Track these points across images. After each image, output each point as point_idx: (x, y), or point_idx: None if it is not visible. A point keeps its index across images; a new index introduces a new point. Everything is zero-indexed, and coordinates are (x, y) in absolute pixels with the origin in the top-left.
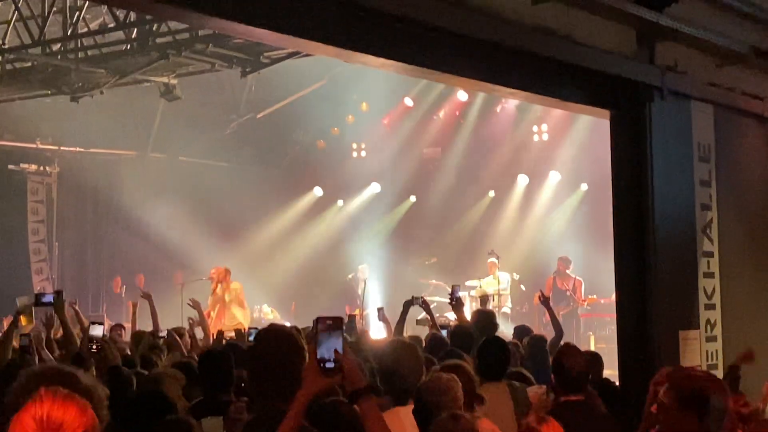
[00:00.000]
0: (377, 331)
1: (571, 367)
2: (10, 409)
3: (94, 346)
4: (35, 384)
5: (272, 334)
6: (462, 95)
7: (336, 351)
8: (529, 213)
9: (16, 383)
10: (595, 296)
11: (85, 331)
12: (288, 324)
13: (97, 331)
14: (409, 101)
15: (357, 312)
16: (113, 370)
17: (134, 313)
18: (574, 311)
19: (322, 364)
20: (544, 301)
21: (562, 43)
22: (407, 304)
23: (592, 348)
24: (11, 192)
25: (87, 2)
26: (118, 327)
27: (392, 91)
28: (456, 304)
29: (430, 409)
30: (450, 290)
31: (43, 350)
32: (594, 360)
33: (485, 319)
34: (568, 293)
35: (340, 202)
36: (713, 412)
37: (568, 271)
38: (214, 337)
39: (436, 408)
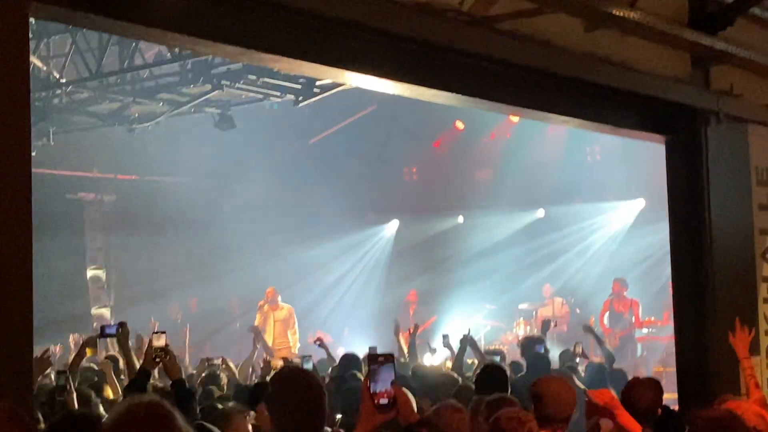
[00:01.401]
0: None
1: (639, 400)
2: None
3: (157, 357)
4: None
5: (287, 374)
6: (513, 116)
7: (391, 385)
8: (583, 234)
9: (115, 414)
10: (653, 318)
11: (149, 342)
12: (342, 349)
13: (160, 341)
14: (460, 124)
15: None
16: (177, 383)
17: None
18: (632, 334)
19: (376, 401)
20: (587, 329)
21: (616, 69)
22: (464, 342)
23: (650, 372)
24: (70, 221)
25: None
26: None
27: (443, 114)
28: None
29: None
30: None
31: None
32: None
33: (533, 344)
34: (625, 316)
35: (392, 225)
36: None
37: (625, 293)
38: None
39: None
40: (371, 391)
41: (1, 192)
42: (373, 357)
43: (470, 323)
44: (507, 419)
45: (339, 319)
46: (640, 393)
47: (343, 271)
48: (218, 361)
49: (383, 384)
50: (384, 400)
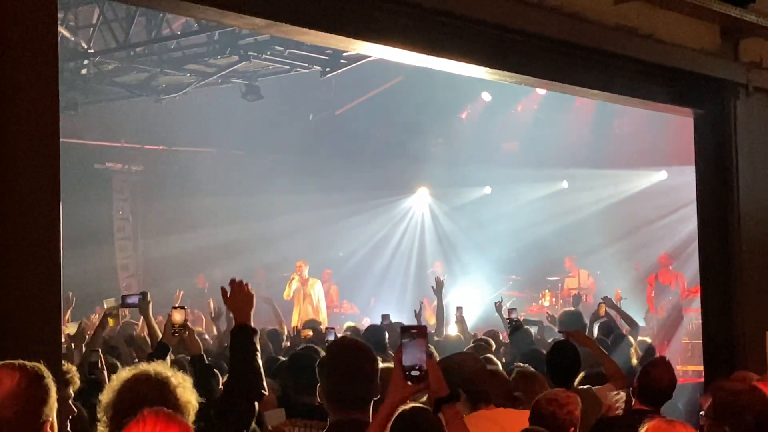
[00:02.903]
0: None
1: (657, 380)
2: (114, 410)
3: (176, 332)
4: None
5: (343, 344)
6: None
7: (424, 358)
8: (609, 205)
9: (122, 386)
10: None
11: (168, 317)
12: (368, 320)
13: (180, 316)
14: (486, 96)
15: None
16: (196, 359)
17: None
18: (678, 305)
19: (407, 373)
20: (607, 302)
21: (644, 42)
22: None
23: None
24: (97, 190)
25: None
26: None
27: (469, 85)
28: None
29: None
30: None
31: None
32: None
33: (572, 319)
34: (671, 288)
35: (418, 196)
36: (744, 426)
37: (671, 267)
38: (292, 333)
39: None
40: (403, 363)
41: (30, 162)
42: (406, 329)
43: (495, 294)
44: (547, 401)
45: (365, 290)
46: (657, 373)
47: (369, 241)
48: None
49: (415, 356)
50: (416, 372)
